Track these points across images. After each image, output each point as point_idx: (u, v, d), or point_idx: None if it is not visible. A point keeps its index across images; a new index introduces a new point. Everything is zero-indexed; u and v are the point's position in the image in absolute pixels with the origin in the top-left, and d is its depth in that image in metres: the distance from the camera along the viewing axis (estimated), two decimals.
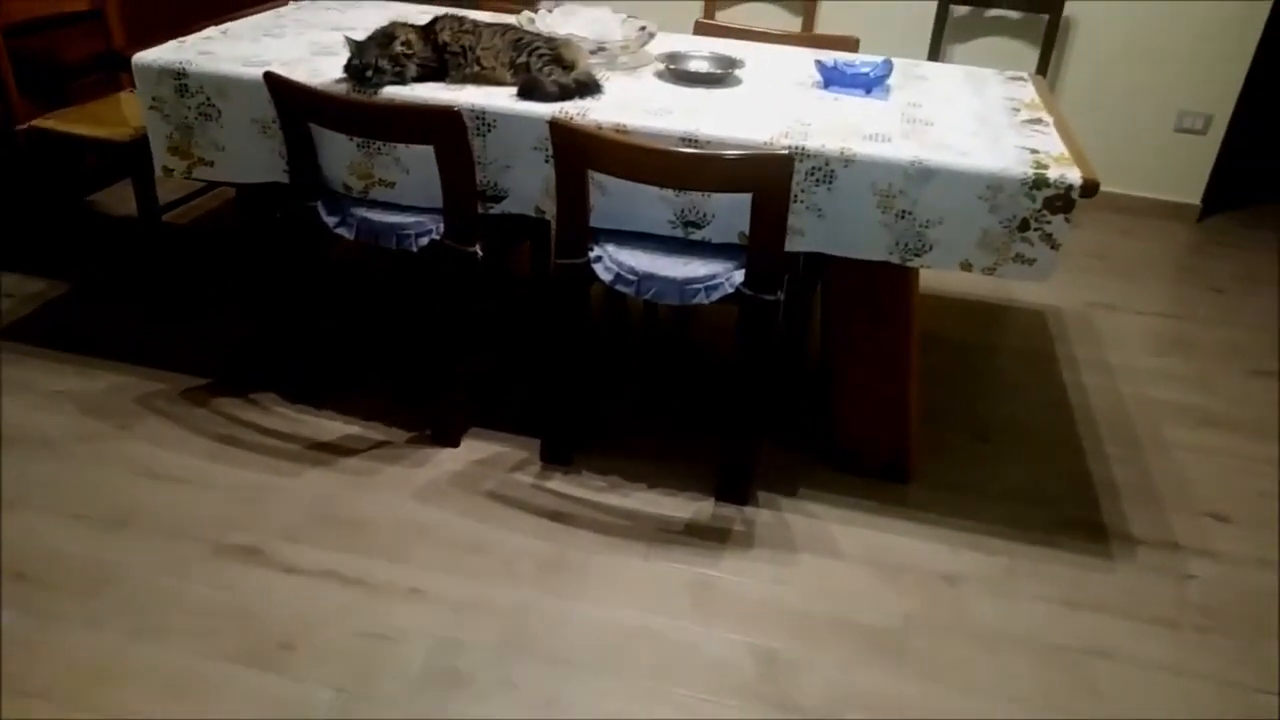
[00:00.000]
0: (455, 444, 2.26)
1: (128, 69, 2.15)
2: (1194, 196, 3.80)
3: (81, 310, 2.71)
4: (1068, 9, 3.50)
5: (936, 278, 3.18)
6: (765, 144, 1.90)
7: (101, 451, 2.17)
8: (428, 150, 1.97)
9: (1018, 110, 2.20)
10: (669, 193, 1.98)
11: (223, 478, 2.12)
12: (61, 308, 2.71)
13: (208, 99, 2.12)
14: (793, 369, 2.65)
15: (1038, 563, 2.04)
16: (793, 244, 1.97)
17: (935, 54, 3.62)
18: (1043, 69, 3.54)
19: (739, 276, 1.96)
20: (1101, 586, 1.99)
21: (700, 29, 2.73)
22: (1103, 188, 1.87)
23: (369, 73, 2.02)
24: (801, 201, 1.94)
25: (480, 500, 2.09)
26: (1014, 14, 3.62)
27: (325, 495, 2.08)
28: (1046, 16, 3.50)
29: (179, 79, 2.11)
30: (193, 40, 2.26)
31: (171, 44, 2.22)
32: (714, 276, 1.97)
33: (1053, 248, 1.90)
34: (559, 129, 1.86)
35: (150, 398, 2.36)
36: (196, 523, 1.99)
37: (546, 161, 1.99)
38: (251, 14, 2.52)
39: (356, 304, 2.81)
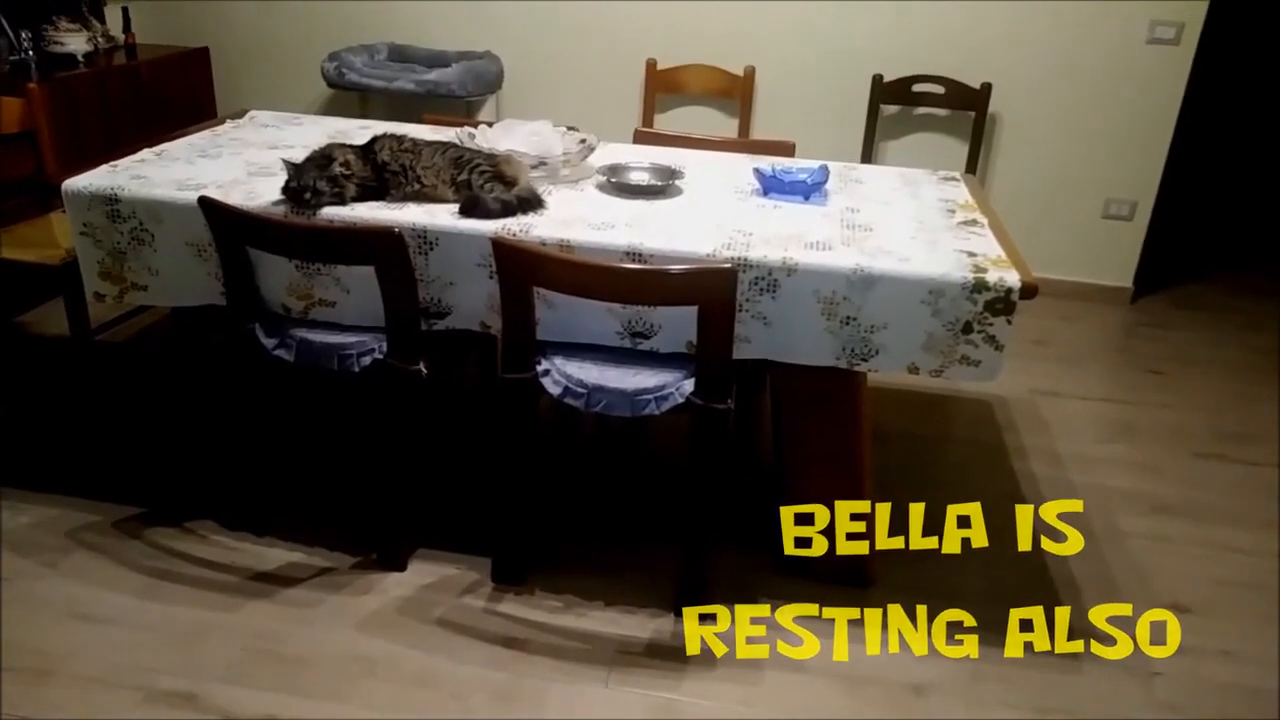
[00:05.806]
0: (402, 567, 2.17)
1: (59, 194, 2.10)
2: (1126, 280, 3.91)
3: (7, 440, 2.59)
4: (992, 106, 3.64)
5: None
6: (708, 256, 1.91)
7: (24, 593, 2.05)
8: (368, 269, 1.94)
9: (953, 212, 2.24)
10: (615, 305, 1.97)
11: (156, 616, 2.00)
12: None
13: (141, 224, 2.08)
14: (746, 472, 2.62)
15: (1003, 666, 2.00)
16: (740, 352, 1.96)
17: (869, 150, 3.73)
18: (972, 163, 3.66)
19: (689, 386, 1.94)
20: (1070, 690, 1.95)
21: (640, 138, 2.76)
22: (1038, 274, 1.93)
23: (307, 194, 2.00)
24: (747, 310, 1.94)
25: (429, 629, 2.00)
26: (942, 111, 3.74)
27: (265, 631, 1.98)
28: (973, 113, 3.63)
29: (111, 204, 2.07)
30: (125, 164, 2.22)
31: (104, 168, 2.18)
32: (664, 387, 1.95)
33: (996, 349, 1.92)
34: (502, 247, 1.84)
35: (79, 531, 2.24)
36: (126, 669, 1.87)
37: (491, 277, 1.97)
38: (188, 134, 2.50)
39: (298, 424, 2.73)
